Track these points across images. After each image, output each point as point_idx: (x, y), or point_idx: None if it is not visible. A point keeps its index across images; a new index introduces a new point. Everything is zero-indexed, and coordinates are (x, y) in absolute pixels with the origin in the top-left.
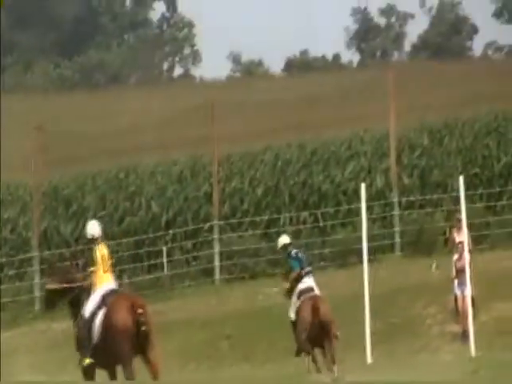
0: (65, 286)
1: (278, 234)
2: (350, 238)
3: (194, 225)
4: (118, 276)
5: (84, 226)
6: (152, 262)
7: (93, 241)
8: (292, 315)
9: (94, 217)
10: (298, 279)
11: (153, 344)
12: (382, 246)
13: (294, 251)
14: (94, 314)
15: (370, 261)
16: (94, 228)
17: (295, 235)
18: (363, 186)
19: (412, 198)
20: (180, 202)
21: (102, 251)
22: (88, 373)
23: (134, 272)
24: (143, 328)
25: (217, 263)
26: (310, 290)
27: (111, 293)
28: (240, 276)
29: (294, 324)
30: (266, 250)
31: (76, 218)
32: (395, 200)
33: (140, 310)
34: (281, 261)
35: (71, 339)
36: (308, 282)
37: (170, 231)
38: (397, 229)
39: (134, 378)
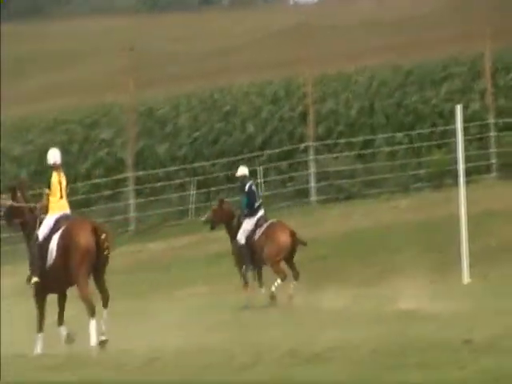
0: (20, 205)
1: (374, 155)
2: (445, 159)
3: (289, 145)
4: (214, 196)
5: (179, 146)
6: None
7: (53, 167)
8: (243, 241)
9: (189, 137)
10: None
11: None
12: (477, 167)
13: (249, 183)
14: (48, 237)
15: (465, 182)
16: (55, 155)
17: (390, 156)
18: (459, 107)
19: (508, 120)
20: (275, 123)
21: (59, 177)
22: (39, 294)
23: (229, 193)
24: (106, 253)
25: (312, 184)
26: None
27: (66, 217)
28: (335, 197)
29: (242, 248)
30: (361, 171)
31: (171, 138)
32: (491, 121)
33: (104, 235)
34: (376, 182)
35: (166, 259)
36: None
37: (265, 152)
38: (492, 150)
39: (91, 298)
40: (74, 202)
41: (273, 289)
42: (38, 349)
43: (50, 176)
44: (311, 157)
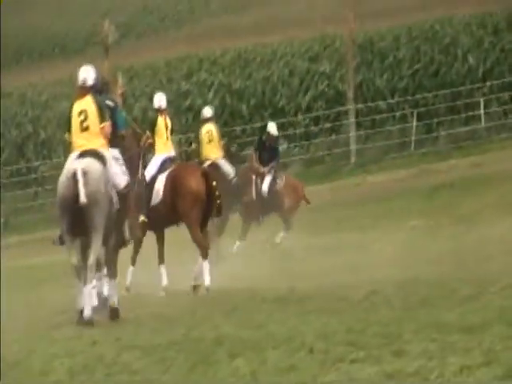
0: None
1: None
2: None
3: (510, 77)
4: (435, 128)
5: (400, 78)
6: (469, 113)
7: (158, 110)
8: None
9: (410, 69)
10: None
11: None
12: None
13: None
14: (154, 177)
15: None
16: (160, 99)
17: None
18: None
19: None
20: (496, 54)
21: (165, 120)
22: (142, 232)
23: (451, 124)
24: (218, 201)
25: None
26: None
27: (173, 159)
28: None
29: None
30: None
31: (391, 70)
32: None
33: (215, 182)
34: None
35: (386, 192)
36: None
37: (487, 83)
38: None
39: (203, 240)
40: (295, 136)
41: None
42: (128, 280)
43: (155, 119)
44: None
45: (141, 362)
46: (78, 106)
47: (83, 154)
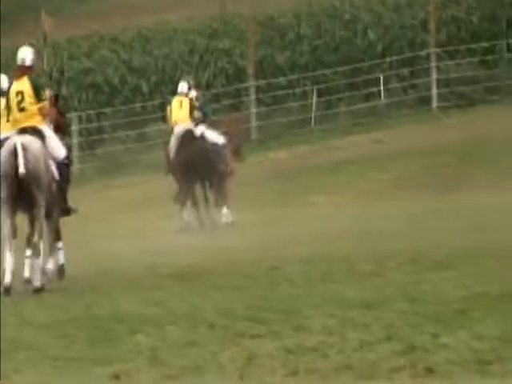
0: None
1: (496, 62)
2: None
3: (410, 52)
4: (335, 104)
5: (300, 55)
6: (369, 90)
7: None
8: None
9: (310, 45)
10: None
11: None
12: None
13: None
14: None
15: None
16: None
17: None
18: None
19: None
20: (396, 30)
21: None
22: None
23: (350, 101)
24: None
25: (434, 91)
26: None
27: None
28: (457, 104)
29: None
30: (484, 78)
31: (292, 46)
32: None
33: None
34: (499, 88)
35: (289, 168)
36: None
37: (387, 59)
38: None
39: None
40: None
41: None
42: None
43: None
44: (433, 63)
45: (41, 338)
46: (15, 86)
47: (22, 131)
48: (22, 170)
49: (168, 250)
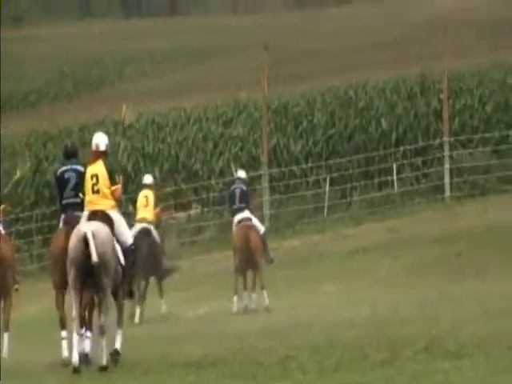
0: None
1: (509, 151)
2: None
3: (423, 142)
4: (349, 193)
5: (314, 143)
6: (382, 178)
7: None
8: None
9: (325, 134)
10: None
11: None
12: None
13: (234, 186)
14: None
15: None
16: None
17: None
18: None
19: None
20: (410, 119)
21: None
22: None
23: (364, 189)
24: None
25: (447, 180)
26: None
27: None
28: (470, 193)
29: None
30: (497, 167)
31: (306, 135)
32: None
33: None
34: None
35: (301, 256)
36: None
37: (400, 148)
38: None
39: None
40: (208, 200)
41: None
42: None
43: None
44: (446, 153)
45: None
46: (90, 170)
47: (92, 217)
48: (94, 258)
49: (180, 337)
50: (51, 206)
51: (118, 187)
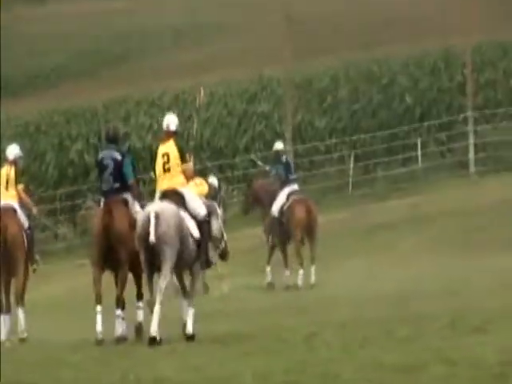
0: None
1: None
2: None
3: (447, 116)
4: (374, 169)
5: (338, 119)
6: (406, 154)
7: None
8: (276, 213)
9: (348, 110)
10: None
11: None
12: None
13: (285, 156)
14: None
15: None
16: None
17: None
18: None
19: None
20: (433, 94)
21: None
22: None
23: (388, 165)
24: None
25: (471, 155)
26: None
27: None
28: (495, 168)
29: (277, 220)
30: None
31: (330, 111)
32: None
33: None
34: None
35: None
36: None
37: (424, 123)
38: None
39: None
40: (233, 178)
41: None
42: None
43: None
44: (470, 127)
45: None
46: (162, 149)
47: (163, 196)
48: (152, 238)
49: (205, 314)
50: (75, 184)
51: (190, 165)
